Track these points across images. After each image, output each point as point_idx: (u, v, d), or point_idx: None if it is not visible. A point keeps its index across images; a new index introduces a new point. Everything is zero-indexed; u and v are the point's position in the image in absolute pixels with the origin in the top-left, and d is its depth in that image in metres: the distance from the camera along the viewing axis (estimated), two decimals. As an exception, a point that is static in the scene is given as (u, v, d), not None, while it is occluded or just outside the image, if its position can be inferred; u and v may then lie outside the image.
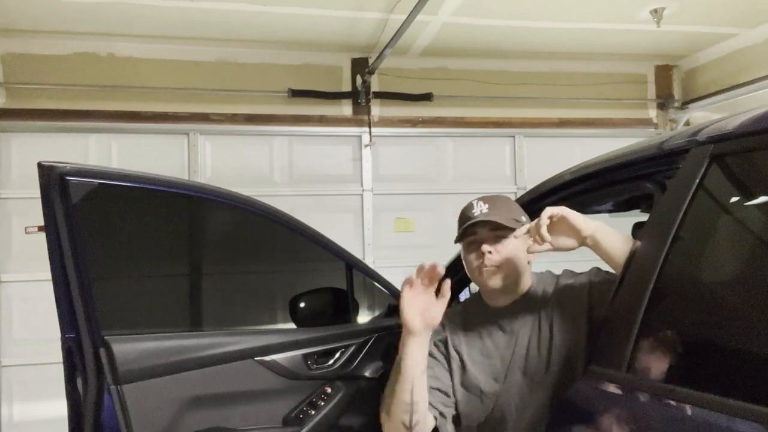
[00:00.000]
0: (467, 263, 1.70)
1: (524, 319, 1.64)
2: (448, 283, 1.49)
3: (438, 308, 1.50)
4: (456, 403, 1.66)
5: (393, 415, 1.52)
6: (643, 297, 1.19)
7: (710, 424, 0.98)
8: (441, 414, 1.61)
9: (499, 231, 1.63)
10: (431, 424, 1.58)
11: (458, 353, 1.69)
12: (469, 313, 1.76)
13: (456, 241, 1.71)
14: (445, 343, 1.72)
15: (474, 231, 1.65)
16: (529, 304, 1.66)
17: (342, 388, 2.01)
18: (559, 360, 1.56)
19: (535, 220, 1.49)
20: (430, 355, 1.67)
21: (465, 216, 1.67)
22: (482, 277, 1.64)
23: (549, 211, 1.47)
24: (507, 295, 1.67)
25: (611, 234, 1.46)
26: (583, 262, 1.70)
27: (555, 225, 1.47)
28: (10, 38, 4.15)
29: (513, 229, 1.60)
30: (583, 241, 1.47)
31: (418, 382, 1.50)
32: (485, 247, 1.62)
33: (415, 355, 1.50)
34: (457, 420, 1.67)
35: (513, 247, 1.63)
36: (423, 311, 1.49)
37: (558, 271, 1.75)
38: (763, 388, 0.95)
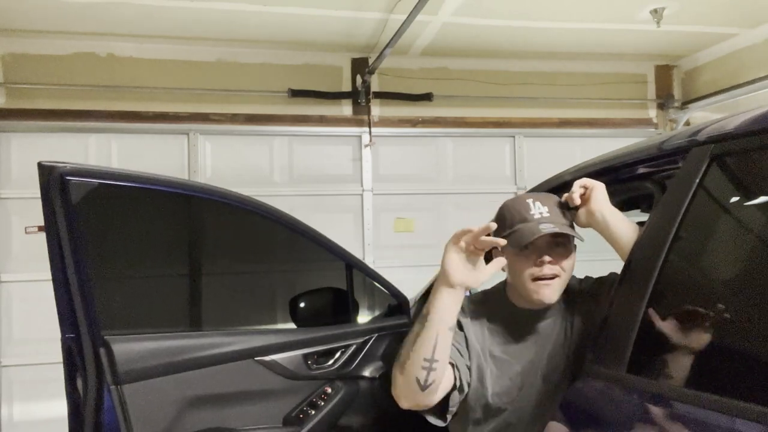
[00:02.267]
0: (515, 267, 1.55)
1: (551, 325, 1.59)
2: (502, 261, 1.44)
3: (482, 274, 1.41)
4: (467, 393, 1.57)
5: (407, 371, 1.41)
6: (644, 297, 1.19)
7: (710, 424, 0.98)
8: (460, 384, 1.50)
9: (559, 238, 1.52)
10: (447, 387, 1.47)
11: (480, 346, 1.59)
12: (491, 307, 1.66)
13: (524, 246, 1.51)
14: (465, 332, 1.60)
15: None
16: (556, 310, 1.61)
17: (342, 388, 2.01)
18: (578, 367, 1.49)
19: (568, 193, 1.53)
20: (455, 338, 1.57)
21: (521, 216, 1.52)
22: (536, 287, 1.52)
23: (584, 181, 1.51)
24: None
25: (623, 223, 1.46)
26: (597, 261, 1.70)
27: (584, 197, 1.50)
28: (10, 38, 4.15)
29: (570, 237, 1.53)
30: (594, 221, 1.48)
31: (442, 339, 1.39)
32: (546, 258, 1.51)
33: (446, 308, 1.40)
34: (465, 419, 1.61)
35: (573, 257, 1.55)
36: (465, 267, 1.41)
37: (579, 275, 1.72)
38: (763, 388, 0.95)
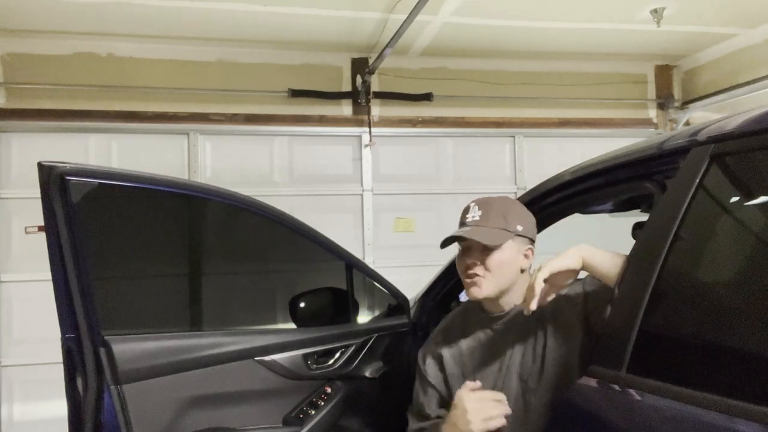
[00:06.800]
0: (458, 266, 1.69)
1: (520, 325, 1.62)
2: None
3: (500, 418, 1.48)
4: None
5: None
6: (643, 297, 1.19)
7: (710, 424, 0.98)
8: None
9: None
10: None
11: (460, 368, 1.68)
12: (468, 321, 1.75)
13: (441, 247, 1.67)
14: (441, 361, 1.71)
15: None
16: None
17: (342, 388, 2.01)
18: (553, 368, 1.54)
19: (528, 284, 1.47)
20: (424, 381, 1.73)
21: (461, 219, 1.67)
22: (465, 285, 1.65)
23: (541, 275, 1.42)
24: (502, 301, 1.65)
25: (597, 253, 1.43)
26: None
27: (550, 278, 1.45)
28: (10, 38, 4.15)
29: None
30: (576, 272, 1.47)
31: None
32: (467, 260, 1.62)
33: None
34: None
35: (499, 258, 1.59)
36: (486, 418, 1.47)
37: None
38: (763, 388, 0.95)
